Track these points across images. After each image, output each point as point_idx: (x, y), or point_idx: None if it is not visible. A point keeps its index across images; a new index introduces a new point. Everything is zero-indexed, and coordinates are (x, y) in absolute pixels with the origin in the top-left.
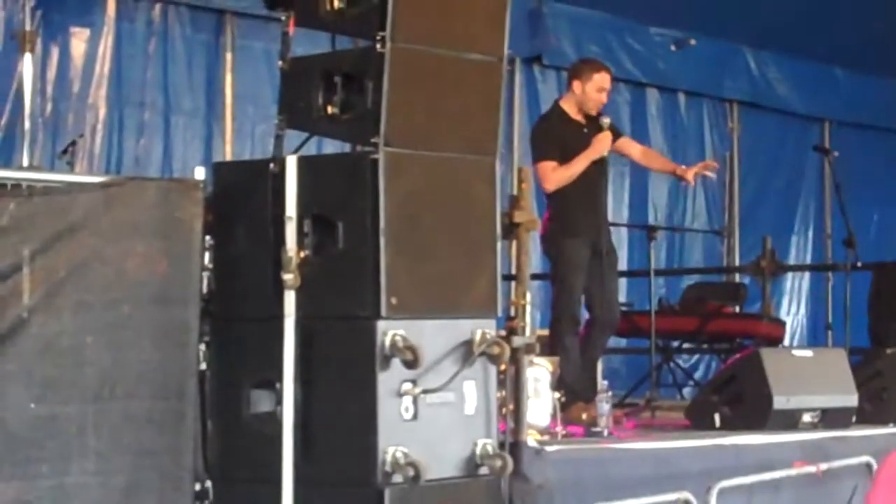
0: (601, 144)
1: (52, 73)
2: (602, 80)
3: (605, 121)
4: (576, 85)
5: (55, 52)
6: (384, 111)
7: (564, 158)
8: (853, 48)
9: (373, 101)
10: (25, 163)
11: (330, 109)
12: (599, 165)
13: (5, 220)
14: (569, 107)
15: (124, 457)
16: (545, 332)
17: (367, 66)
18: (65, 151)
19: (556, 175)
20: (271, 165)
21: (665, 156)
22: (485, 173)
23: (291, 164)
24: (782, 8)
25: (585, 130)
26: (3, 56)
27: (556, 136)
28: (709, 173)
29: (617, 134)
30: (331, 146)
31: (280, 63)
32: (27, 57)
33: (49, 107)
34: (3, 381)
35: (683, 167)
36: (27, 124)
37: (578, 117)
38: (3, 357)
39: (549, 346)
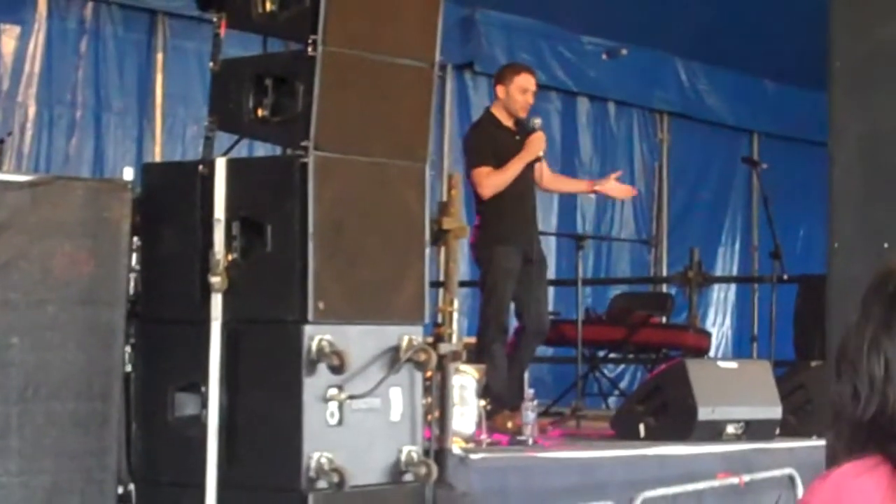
0: (534, 146)
1: None
2: (524, 80)
3: (537, 122)
4: (500, 90)
5: None
6: (314, 115)
7: (498, 164)
8: (782, 60)
9: (303, 104)
10: None
11: (260, 112)
12: (529, 171)
13: None
14: (499, 113)
15: (47, 458)
16: (473, 339)
17: (298, 70)
18: None
19: (492, 180)
20: (200, 167)
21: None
22: (415, 179)
23: (221, 166)
24: (713, 19)
25: (517, 137)
26: None
27: (489, 141)
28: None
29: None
30: (262, 149)
31: (211, 64)
32: None
33: None
34: None
35: (595, 181)
36: None
37: (509, 123)
38: None
39: (476, 354)
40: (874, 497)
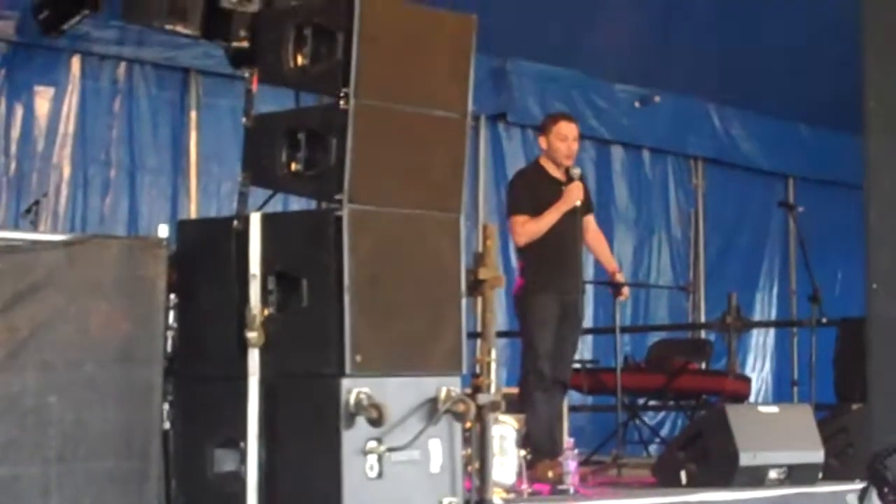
0: (571, 195)
1: (15, 132)
2: (563, 128)
3: (576, 171)
4: (542, 140)
5: (19, 111)
6: (348, 168)
7: (539, 213)
8: (816, 104)
9: (336, 157)
10: None
11: (294, 166)
12: (571, 220)
13: None
14: (546, 163)
15: None
16: (512, 389)
17: (330, 123)
18: (28, 211)
19: (527, 228)
20: (235, 223)
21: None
22: (449, 230)
23: (255, 221)
24: (746, 65)
25: (563, 187)
26: None
27: (531, 189)
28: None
29: (590, 204)
30: (297, 203)
31: (244, 120)
32: None
33: (13, 166)
34: None
35: (619, 276)
36: None
37: (557, 174)
38: None
39: (518, 403)
40: None
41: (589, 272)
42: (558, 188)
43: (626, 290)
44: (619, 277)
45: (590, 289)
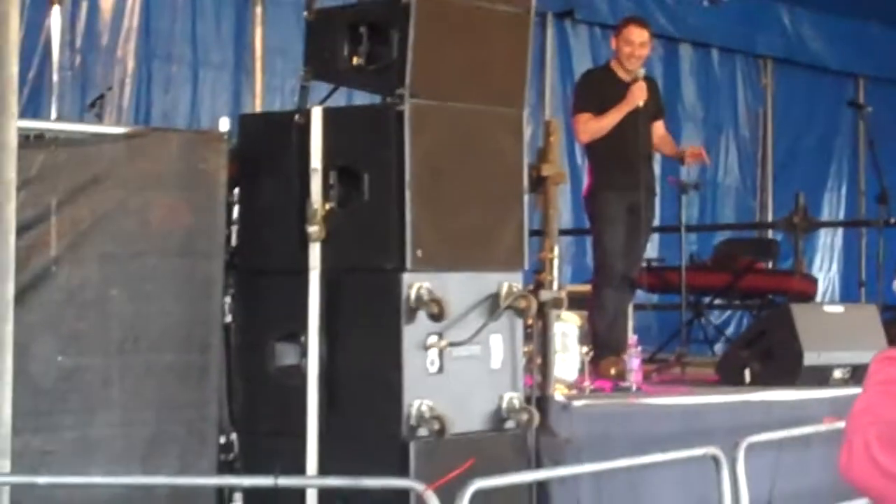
0: (633, 95)
1: (80, 25)
2: (631, 32)
3: (640, 72)
4: (613, 42)
5: (84, 5)
6: (409, 62)
7: (603, 113)
8: (888, 3)
9: (398, 51)
10: (54, 115)
11: (356, 60)
12: (634, 121)
13: (34, 171)
14: (616, 66)
15: (148, 409)
16: (575, 287)
17: (392, 17)
18: (93, 105)
19: (590, 126)
20: (296, 117)
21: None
22: (511, 126)
23: (317, 115)
24: None
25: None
26: (32, 8)
27: (597, 89)
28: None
29: (659, 108)
30: (360, 97)
31: (305, 14)
32: (56, 9)
33: (78, 59)
34: (28, 333)
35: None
36: (55, 77)
37: (625, 77)
38: (28, 308)
39: (582, 300)
40: None
41: (655, 170)
42: (625, 91)
43: (694, 155)
44: (688, 154)
45: (657, 188)
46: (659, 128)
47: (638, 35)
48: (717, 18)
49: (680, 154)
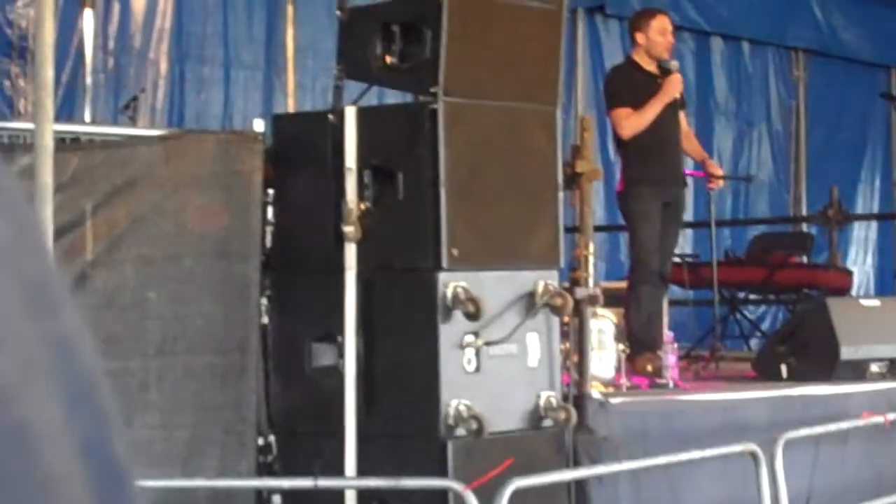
0: (672, 86)
1: (113, 28)
2: (661, 22)
3: (674, 64)
4: (639, 36)
5: (116, 7)
6: (443, 60)
7: (638, 107)
8: None
9: (431, 50)
10: (87, 118)
11: (389, 59)
12: (669, 113)
13: (68, 174)
14: (640, 58)
15: (187, 411)
16: (610, 283)
17: (425, 15)
18: (126, 106)
19: (631, 121)
20: (330, 116)
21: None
22: (545, 122)
23: (350, 115)
24: None
25: (659, 81)
26: (64, 11)
27: (628, 83)
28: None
29: (682, 100)
30: (392, 97)
31: (338, 13)
32: (88, 12)
33: (111, 62)
34: None
35: (711, 164)
36: (89, 79)
37: (651, 68)
38: None
39: (618, 297)
40: None
41: (688, 164)
42: (654, 82)
43: (719, 181)
44: (712, 166)
45: (689, 181)
46: (682, 120)
47: (669, 24)
48: (748, 11)
49: (700, 157)
